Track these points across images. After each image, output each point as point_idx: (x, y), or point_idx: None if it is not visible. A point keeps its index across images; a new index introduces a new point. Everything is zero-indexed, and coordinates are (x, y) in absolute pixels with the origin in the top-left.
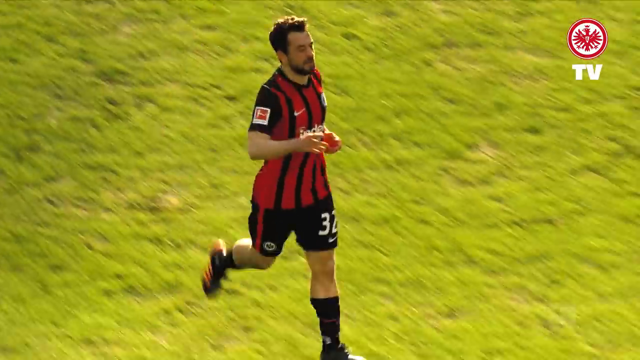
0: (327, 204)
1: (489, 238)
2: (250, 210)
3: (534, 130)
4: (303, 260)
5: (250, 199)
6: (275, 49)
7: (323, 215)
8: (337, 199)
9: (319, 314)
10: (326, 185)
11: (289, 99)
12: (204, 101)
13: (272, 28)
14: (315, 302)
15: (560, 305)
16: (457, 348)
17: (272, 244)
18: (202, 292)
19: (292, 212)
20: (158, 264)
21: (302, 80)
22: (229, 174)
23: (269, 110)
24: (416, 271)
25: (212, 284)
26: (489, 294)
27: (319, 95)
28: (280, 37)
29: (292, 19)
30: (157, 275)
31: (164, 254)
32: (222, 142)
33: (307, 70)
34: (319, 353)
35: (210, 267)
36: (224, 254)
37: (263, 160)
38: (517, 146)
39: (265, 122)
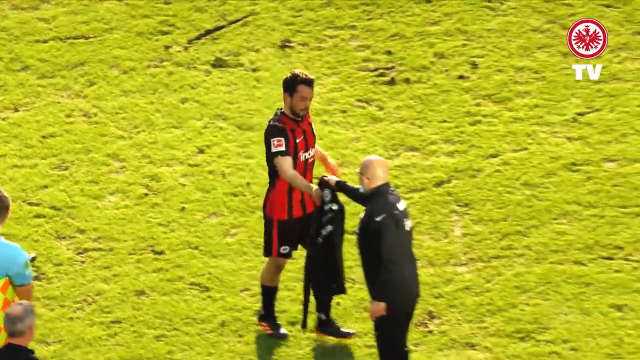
0: None
1: (40, 50)
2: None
3: None
4: None
5: (263, 214)
6: (284, 90)
7: None
8: None
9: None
10: None
11: (292, 129)
12: None
13: (289, 74)
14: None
15: (97, 100)
16: (19, 132)
17: (286, 247)
18: None
19: (301, 218)
20: None
21: (297, 117)
22: None
23: (283, 139)
24: None
25: (274, 329)
26: (42, 92)
27: (310, 125)
28: (292, 84)
29: (306, 75)
30: None
31: None
32: None
33: (302, 116)
34: None
35: (265, 323)
36: (261, 311)
37: (269, 181)
38: None
39: (284, 148)
